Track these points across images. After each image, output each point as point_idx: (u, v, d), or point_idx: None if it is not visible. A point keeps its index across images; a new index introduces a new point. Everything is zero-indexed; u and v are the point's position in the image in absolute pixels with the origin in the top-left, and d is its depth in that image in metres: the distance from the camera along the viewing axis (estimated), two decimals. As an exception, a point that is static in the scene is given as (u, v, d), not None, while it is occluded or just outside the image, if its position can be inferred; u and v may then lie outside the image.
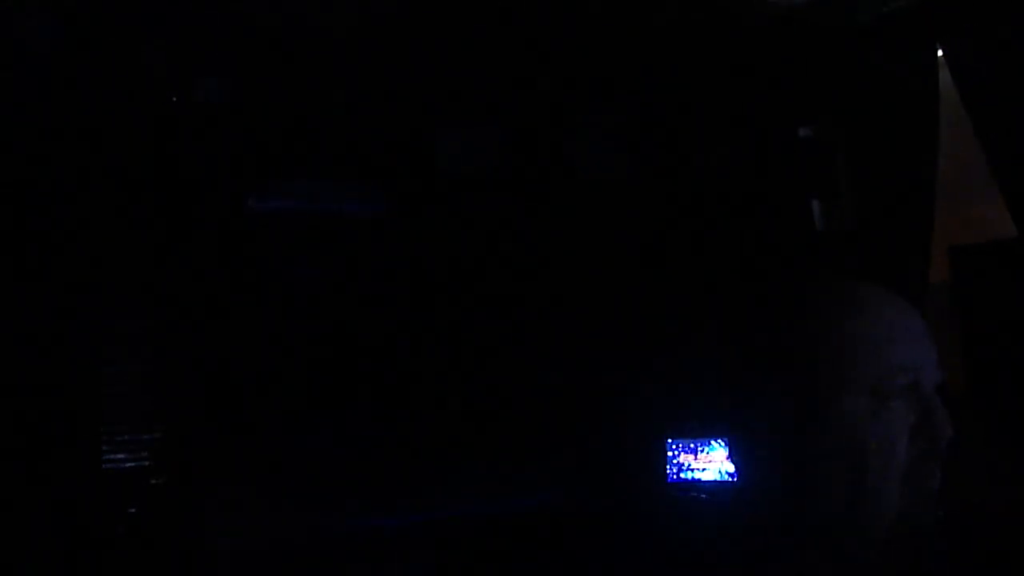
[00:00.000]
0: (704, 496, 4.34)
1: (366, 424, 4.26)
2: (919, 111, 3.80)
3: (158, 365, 3.98)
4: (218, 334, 4.04)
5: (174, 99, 3.80)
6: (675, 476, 4.43)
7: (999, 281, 3.77)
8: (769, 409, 0.92)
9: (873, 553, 0.89)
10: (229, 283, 4.10)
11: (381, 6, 3.54)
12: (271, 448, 4.04)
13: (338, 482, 4.09)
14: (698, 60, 4.13)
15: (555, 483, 4.44)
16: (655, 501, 4.44)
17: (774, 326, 0.95)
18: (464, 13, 3.64)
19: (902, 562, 0.89)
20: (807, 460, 0.90)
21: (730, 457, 4.32)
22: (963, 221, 3.99)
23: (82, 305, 3.86)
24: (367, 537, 4.02)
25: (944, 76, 3.72)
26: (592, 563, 4.13)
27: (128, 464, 3.88)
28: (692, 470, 4.41)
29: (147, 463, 3.90)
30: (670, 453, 4.45)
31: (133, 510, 3.82)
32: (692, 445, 4.41)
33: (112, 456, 3.86)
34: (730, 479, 4.33)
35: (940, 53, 3.73)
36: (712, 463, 4.37)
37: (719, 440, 4.36)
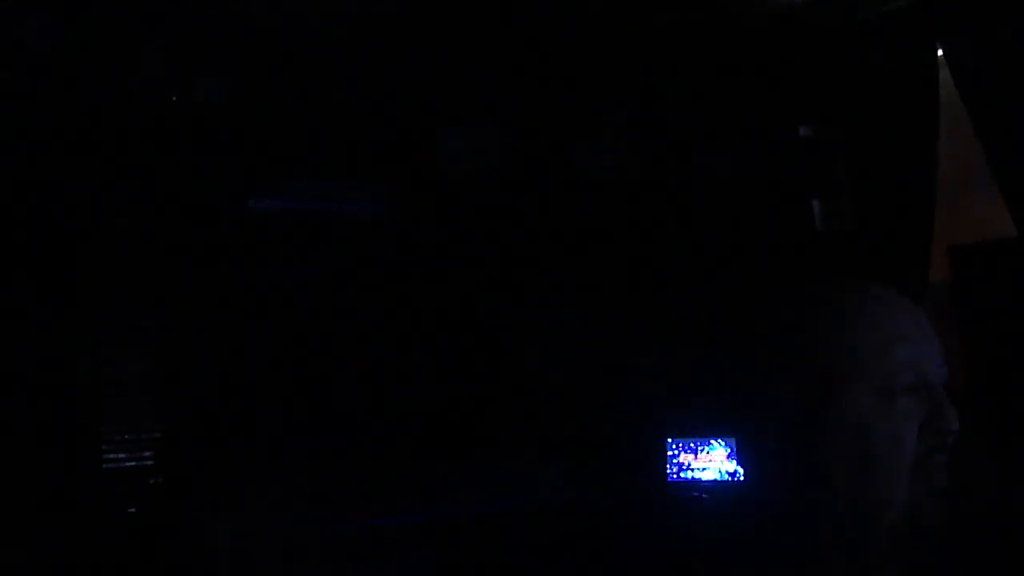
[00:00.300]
0: (704, 496, 4.34)
1: (366, 424, 4.26)
2: (919, 111, 3.81)
3: (158, 365, 3.98)
4: (218, 334, 4.03)
5: (174, 99, 3.80)
6: (675, 476, 4.44)
7: (999, 281, 3.77)
8: (776, 408, 0.92)
9: (882, 549, 0.89)
10: (229, 283, 4.09)
11: (381, 6, 3.54)
12: (271, 448, 4.04)
13: (338, 482, 4.08)
14: (698, 60, 4.14)
15: (555, 483, 4.44)
16: (655, 501, 4.44)
17: (780, 325, 0.95)
18: (464, 13, 3.64)
19: (911, 558, 0.89)
20: (815, 458, 0.90)
21: (733, 457, 4.34)
22: (963, 221, 3.99)
23: (82, 305, 3.86)
24: (367, 537, 4.02)
25: (944, 76, 3.72)
26: (592, 563, 4.13)
27: (128, 464, 3.87)
28: (692, 470, 4.41)
29: (147, 463, 3.90)
30: (670, 453, 4.45)
31: (133, 510, 3.81)
32: (692, 445, 4.42)
33: (112, 456, 3.86)
34: (730, 478, 4.33)
35: (940, 53, 3.73)
36: (712, 463, 4.37)
37: (719, 440, 4.36)
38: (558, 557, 4.13)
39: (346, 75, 3.96)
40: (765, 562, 0.94)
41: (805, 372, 0.91)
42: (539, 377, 4.54)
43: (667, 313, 4.49)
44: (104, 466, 3.83)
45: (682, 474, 4.43)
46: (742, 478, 4.26)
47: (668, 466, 4.45)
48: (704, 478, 4.37)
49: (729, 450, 4.35)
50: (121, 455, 3.88)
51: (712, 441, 4.38)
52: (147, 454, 3.91)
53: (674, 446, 4.45)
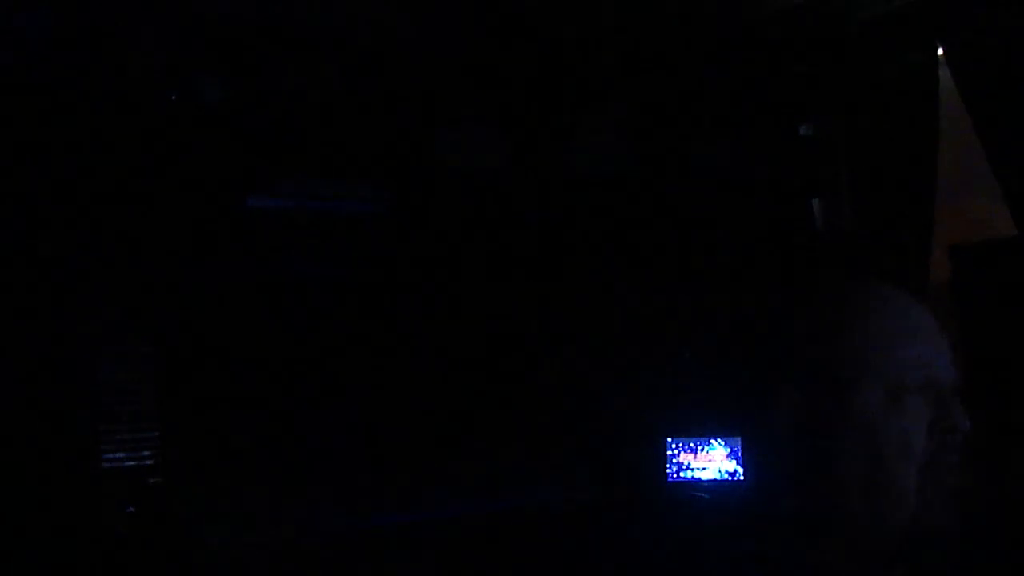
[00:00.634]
0: (705, 495, 4.35)
1: (366, 423, 4.26)
2: (919, 111, 3.81)
3: (158, 365, 3.97)
4: (218, 333, 4.03)
5: (174, 99, 3.80)
6: (675, 475, 4.44)
7: (999, 280, 3.77)
8: (784, 408, 0.92)
9: (891, 549, 0.89)
10: (229, 282, 4.09)
11: (381, 6, 3.54)
12: (271, 447, 4.04)
13: (338, 481, 4.08)
14: (698, 59, 4.14)
15: (555, 482, 4.44)
16: (655, 500, 4.44)
17: (787, 325, 0.95)
18: (464, 13, 3.64)
19: (921, 557, 0.89)
20: (824, 457, 0.90)
21: (735, 456, 4.34)
22: (963, 221, 3.99)
23: (81, 305, 3.85)
24: (367, 537, 4.02)
25: (944, 76, 3.72)
26: (593, 562, 4.13)
27: (128, 464, 3.87)
28: (692, 469, 4.41)
29: (147, 463, 3.89)
30: (670, 452, 4.45)
31: (133, 510, 3.81)
32: (692, 444, 4.42)
33: (112, 456, 3.85)
34: (730, 478, 4.33)
35: (940, 53, 3.74)
36: (712, 462, 4.38)
37: (719, 440, 4.36)
38: (558, 557, 4.13)
39: (346, 74, 3.96)
40: (772, 563, 0.94)
41: (813, 372, 0.91)
42: (539, 377, 4.54)
43: (668, 312, 4.49)
44: (104, 466, 3.83)
45: (682, 474, 4.43)
46: (742, 478, 4.27)
47: (668, 466, 4.45)
48: (704, 478, 4.38)
49: (729, 450, 4.35)
50: (121, 455, 3.87)
51: (712, 441, 4.38)
52: (147, 454, 3.91)
53: (674, 446, 4.45)
